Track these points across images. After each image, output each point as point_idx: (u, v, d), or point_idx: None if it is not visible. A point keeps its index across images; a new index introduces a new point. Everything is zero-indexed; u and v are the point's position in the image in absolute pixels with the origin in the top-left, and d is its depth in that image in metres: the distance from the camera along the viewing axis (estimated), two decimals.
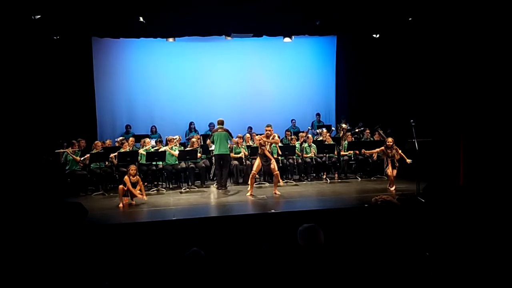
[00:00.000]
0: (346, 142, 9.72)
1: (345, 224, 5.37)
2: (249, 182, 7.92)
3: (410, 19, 9.11)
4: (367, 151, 8.92)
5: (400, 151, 7.90)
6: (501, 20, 7.07)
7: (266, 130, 7.90)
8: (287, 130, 10.92)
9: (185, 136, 11.00)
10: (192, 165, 8.99)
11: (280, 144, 9.14)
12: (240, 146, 9.50)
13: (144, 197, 7.44)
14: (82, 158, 8.44)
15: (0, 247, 4.52)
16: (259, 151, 7.87)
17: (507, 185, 6.50)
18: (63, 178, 8.38)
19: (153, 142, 9.56)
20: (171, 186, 9.13)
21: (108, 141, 9.69)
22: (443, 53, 8.59)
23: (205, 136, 10.08)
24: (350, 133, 10.12)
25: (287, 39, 10.88)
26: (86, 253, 4.53)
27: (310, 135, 10.14)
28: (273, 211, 6.39)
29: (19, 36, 8.49)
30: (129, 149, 8.81)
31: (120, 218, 6.45)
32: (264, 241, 3.29)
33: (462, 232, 4.48)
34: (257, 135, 8.99)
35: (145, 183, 8.78)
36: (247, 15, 8.78)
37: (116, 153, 8.58)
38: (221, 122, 8.62)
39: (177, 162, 9.03)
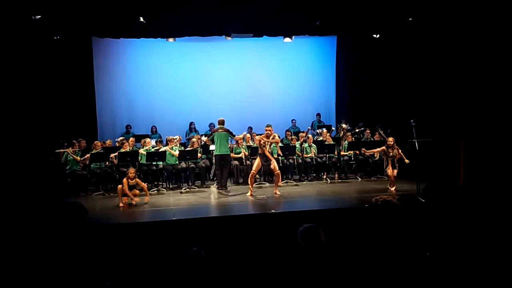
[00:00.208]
0: (346, 142, 9.72)
1: (345, 224, 5.37)
2: (249, 182, 7.92)
3: (410, 19, 9.11)
4: (368, 151, 8.91)
5: (400, 151, 7.90)
6: (501, 20, 7.07)
7: (266, 130, 7.90)
8: (287, 130, 10.91)
9: (185, 136, 11.01)
10: (192, 165, 8.99)
11: (280, 144, 9.14)
12: (240, 146, 9.50)
13: (147, 198, 7.43)
14: (82, 158, 8.45)
15: (0, 247, 4.52)
16: (259, 151, 7.88)
17: (507, 185, 6.50)
18: (64, 178, 8.38)
19: (153, 142, 9.56)
20: (171, 186, 9.13)
21: (108, 141, 9.70)
22: (443, 53, 8.59)
23: (205, 136, 10.10)
24: (350, 133, 10.12)
25: (287, 39, 10.87)
26: (86, 253, 4.53)
27: (310, 135, 10.14)
28: (273, 211, 6.39)
29: (20, 36, 8.50)
30: (129, 149, 8.81)
31: (120, 218, 6.45)
32: (264, 241, 3.29)
33: (462, 232, 4.48)
34: (257, 135, 8.99)
35: (146, 183, 8.77)
36: (247, 15, 8.78)
37: (116, 153, 8.58)
38: (221, 122, 8.61)
39: (177, 162, 9.03)
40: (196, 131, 11.08)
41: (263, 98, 11.99)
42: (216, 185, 8.69)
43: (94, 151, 8.56)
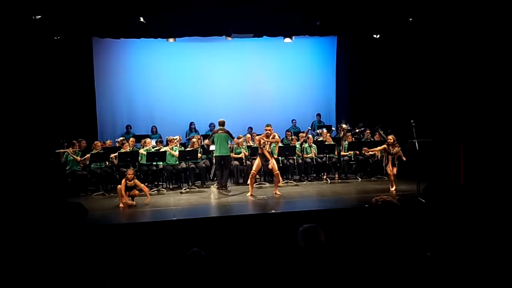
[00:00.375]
0: (346, 142, 9.72)
1: (345, 224, 5.37)
2: (249, 182, 7.92)
3: (410, 19, 9.11)
4: (369, 150, 8.86)
5: (399, 148, 7.88)
6: (501, 20, 7.07)
7: (266, 130, 7.89)
8: (287, 130, 10.92)
9: (186, 137, 11.01)
10: (193, 166, 8.99)
11: (280, 144, 9.13)
12: (240, 146, 9.50)
13: (147, 199, 7.44)
14: (82, 158, 8.45)
15: (0, 247, 4.52)
16: (259, 151, 7.87)
17: (508, 185, 6.49)
18: (64, 178, 8.38)
19: (153, 142, 9.56)
20: (171, 187, 9.13)
21: (108, 141, 9.70)
22: (444, 54, 8.59)
23: (205, 137, 10.09)
24: (350, 133, 10.12)
25: (287, 40, 10.88)
26: (86, 254, 4.53)
27: (310, 135, 10.14)
28: (273, 211, 6.39)
29: (20, 36, 8.51)
30: (129, 149, 8.81)
31: (120, 218, 6.45)
32: (264, 241, 3.29)
33: (463, 232, 4.47)
34: (257, 135, 8.99)
35: (146, 183, 8.78)
36: (247, 15, 8.78)
37: (116, 153, 8.58)
38: (222, 123, 8.61)
39: (177, 162, 9.03)
40: (196, 131, 11.08)
41: (263, 98, 11.99)
42: (216, 185, 8.69)
43: (94, 151, 8.56)
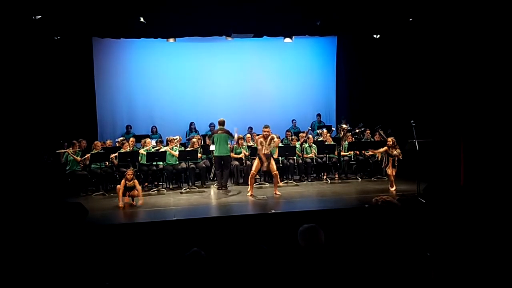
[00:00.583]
0: (346, 142, 9.72)
1: (345, 224, 5.37)
2: (249, 182, 7.91)
3: (410, 19, 9.11)
4: (375, 151, 8.82)
5: (400, 151, 7.89)
6: (501, 21, 7.07)
7: (264, 131, 7.86)
8: (287, 131, 10.92)
9: (186, 137, 11.01)
10: (193, 166, 8.99)
11: (280, 144, 9.13)
12: (240, 146, 9.50)
13: (140, 201, 7.40)
14: (82, 158, 8.45)
15: (0, 247, 4.52)
16: (258, 151, 7.86)
17: (508, 185, 6.49)
18: (64, 178, 8.38)
19: (153, 142, 9.56)
20: (171, 187, 9.13)
21: (108, 141, 9.70)
22: (444, 54, 8.59)
23: (205, 137, 10.10)
24: (350, 133, 10.11)
25: (287, 40, 10.88)
26: (86, 253, 4.53)
27: (310, 136, 10.14)
28: (273, 211, 6.39)
29: (20, 37, 8.50)
30: (129, 149, 8.81)
31: (120, 218, 6.45)
32: (264, 241, 3.29)
33: (463, 232, 4.47)
34: (257, 135, 8.99)
35: (146, 183, 8.80)
36: (247, 15, 8.78)
37: (116, 154, 8.58)
38: (222, 123, 8.61)
39: (177, 162, 9.03)
40: (196, 131, 11.08)
41: (264, 98, 11.99)
42: (216, 185, 8.69)
43: (94, 151, 8.56)
